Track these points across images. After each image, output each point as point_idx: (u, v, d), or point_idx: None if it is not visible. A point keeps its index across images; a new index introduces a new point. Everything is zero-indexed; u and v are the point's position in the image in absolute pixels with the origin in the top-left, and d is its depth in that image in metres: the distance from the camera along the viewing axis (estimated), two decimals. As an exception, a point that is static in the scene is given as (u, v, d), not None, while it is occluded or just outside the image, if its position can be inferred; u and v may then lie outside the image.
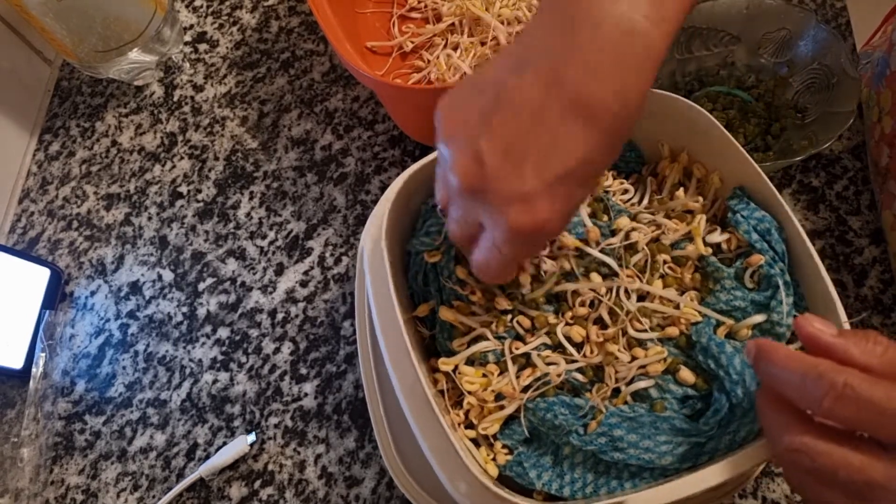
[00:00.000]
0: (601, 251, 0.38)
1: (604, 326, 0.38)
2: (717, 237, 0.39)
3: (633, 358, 0.37)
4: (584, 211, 0.40)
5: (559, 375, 0.36)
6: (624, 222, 0.40)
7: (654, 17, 0.27)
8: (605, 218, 0.41)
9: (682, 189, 0.42)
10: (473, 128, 0.29)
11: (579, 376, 0.37)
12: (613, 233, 0.40)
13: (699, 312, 0.37)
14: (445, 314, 0.38)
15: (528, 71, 0.29)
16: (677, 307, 0.38)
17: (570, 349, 0.37)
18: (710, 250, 0.39)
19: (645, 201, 0.43)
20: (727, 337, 0.37)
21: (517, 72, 0.29)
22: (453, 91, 0.32)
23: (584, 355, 0.37)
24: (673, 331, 0.37)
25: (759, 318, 0.36)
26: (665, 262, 0.39)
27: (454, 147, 0.30)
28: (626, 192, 0.43)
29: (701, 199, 0.41)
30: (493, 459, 0.37)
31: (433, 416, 0.33)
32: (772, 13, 0.51)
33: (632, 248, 0.39)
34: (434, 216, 0.40)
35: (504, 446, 0.37)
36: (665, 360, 0.37)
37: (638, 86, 0.28)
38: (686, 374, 0.36)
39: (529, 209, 0.29)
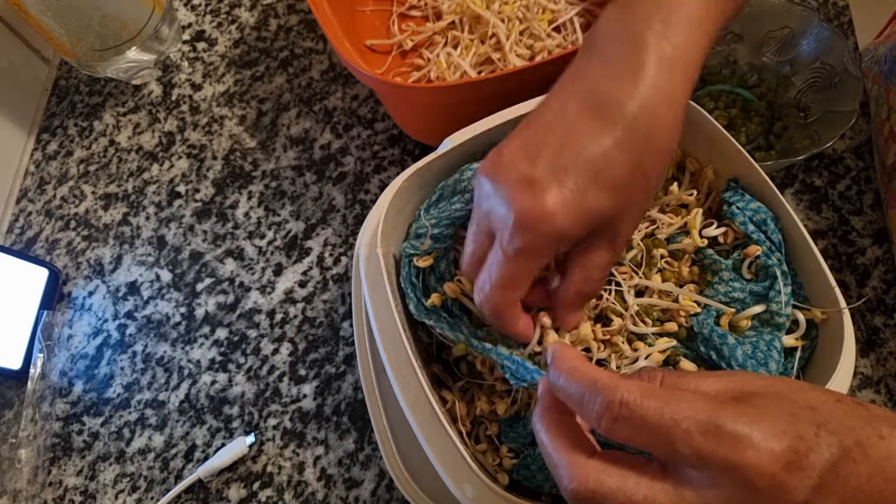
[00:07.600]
0: None
1: (606, 324, 0.38)
2: (714, 231, 0.39)
3: (636, 349, 0.36)
4: None
5: None
6: None
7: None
8: None
9: (675, 183, 0.42)
10: (503, 140, 0.33)
11: None
12: None
13: (700, 303, 0.37)
14: (461, 349, 0.37)
15: (560, 88, 0.33)
16: (676, 300, 0.37)
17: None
18: (706, 242, 0.39)
19: None
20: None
21: (553, 94, 0.33)
22: None
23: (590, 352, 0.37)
24: (672, 326, 0.37)
25: (757, 308, 0.36)
26: (662, 256, 0.39)
27: (487, 156, 0.33)
28: None
29: (695, 192, 0.41)
30: (500, 464, 0.36)
31: (439, 424, 0.33)
32: (774, 12, 0.51)
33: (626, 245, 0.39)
34: (421, 219, 0.40)
35: (510, 450, 0.37)
36: (663, 350, 0.36)
37: (659, 90, 0.30)
38: (687, 365, 0.36)
39: (535, 193, 0.30)
